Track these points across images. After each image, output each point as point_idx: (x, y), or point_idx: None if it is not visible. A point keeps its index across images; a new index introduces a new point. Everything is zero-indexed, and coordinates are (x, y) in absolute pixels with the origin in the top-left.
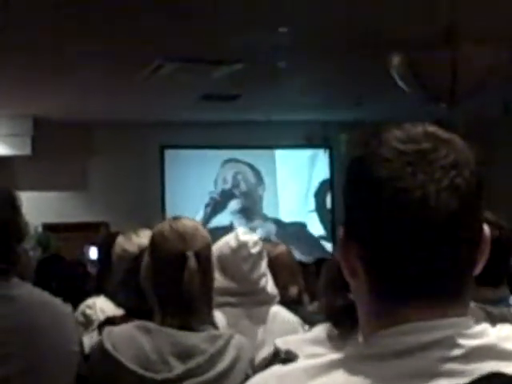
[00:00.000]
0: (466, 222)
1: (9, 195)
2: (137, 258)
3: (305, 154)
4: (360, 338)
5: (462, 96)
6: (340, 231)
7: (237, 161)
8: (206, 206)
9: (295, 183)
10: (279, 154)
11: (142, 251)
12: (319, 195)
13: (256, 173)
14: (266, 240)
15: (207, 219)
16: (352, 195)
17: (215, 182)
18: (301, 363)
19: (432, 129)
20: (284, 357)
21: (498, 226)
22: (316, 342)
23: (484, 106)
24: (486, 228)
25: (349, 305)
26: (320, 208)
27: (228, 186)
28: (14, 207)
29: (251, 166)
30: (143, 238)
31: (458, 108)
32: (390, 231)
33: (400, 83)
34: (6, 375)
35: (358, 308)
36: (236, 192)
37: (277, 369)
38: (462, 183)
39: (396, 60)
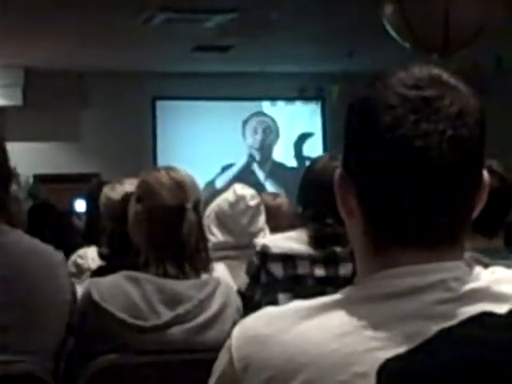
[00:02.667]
0: (467, 171)
1: None
2: (120, 204)
3: (287, 108)
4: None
5: (455, 47)
6: (338, 171)
7: (264, 115)
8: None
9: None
10: (266, 106)
11: (124, 198)
12: (297, 145)
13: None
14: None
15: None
16: (353, 137)
17: (244, 135)
18: (293, 304)
19: (438, 73)
20: (259, 249)
21: (500, 177)
22: (293, 239)
23: (476, 60)
24: (486, 174)
25: (337, 234)
26: (297, 156)
27: (258, 138)
28: (3, 152)
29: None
30: (127, 185)
31: (451, 60)
32: (388, 177)
33: (392, 33)
34: (2, 323)
35: (353, 248)
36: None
37: (268, 310)
38: (465, 133)
39: (389, 9)
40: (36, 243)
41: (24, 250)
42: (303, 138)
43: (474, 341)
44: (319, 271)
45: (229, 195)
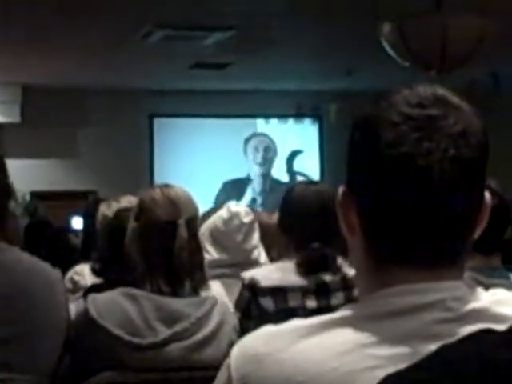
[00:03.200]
0: (468, 191)
1: None
2: (114, 220)
3: (280, 127)
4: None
5: (452, 64)
6: (341, 189)
7: (264, 135)
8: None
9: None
10: (260, 124)
11: (117, 215)
12: (289, 162)
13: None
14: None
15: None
16: (356, 154)
17: (245, 153)
18: (291, 323)
19: (442, 92)
20: (248, 283)
21: (498, 196)
22: (282, 270)
23: (473, 77)
24: (488, 195)
25: (325, 257)
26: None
27: (260, 155)
28: (2, 168)
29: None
30: (123, 203)
31: (448, 79)
32: (390, 195)
33: (390, 52)
34: (2, 339)
35: (354, 266)
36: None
37: (266, 329)
38: (467, 153)
39: (386, 28)
40: (35, 261)
41: (23, 268)
42: (293, 154)
43: (473, 358)
44: (311, 303)
45: (223, 212)
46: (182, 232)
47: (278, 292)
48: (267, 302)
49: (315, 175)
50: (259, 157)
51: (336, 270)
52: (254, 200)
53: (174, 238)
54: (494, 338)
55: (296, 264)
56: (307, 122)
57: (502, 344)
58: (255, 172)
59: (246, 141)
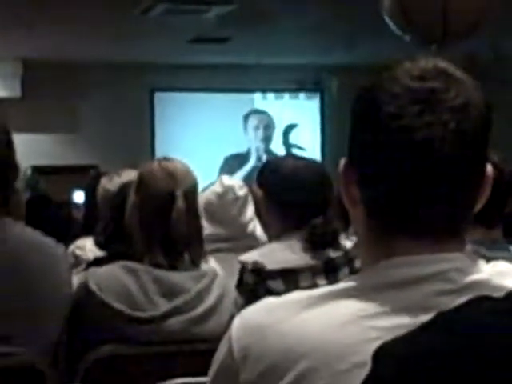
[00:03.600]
0: (470, 164)
1: (4, 133)
2: (117, 195)
3: (277, 102)
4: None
5: (454, 38)
6: (342, 161)
7: (263, 112)
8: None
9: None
10: (257, 98)
11: (121, 188)
12: (285, 135)
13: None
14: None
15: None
16: (357, 126)
17: (246, 130)
18: (293, 295)
19: (444, 65)
20: (251, 267)
21: (499, 169)
22: (283, 249)
23: (474, 51)
24: (489, 168)
25: (328, 231)
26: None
27: (261, 133)
28: (9, 145)
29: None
30: (125, 177)
31: (450, 51)
32: (390, 167)
33: (391, 25)
34: (5, 313)
35: (357, 238)
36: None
37: (268, 300)
38: (468, 126)
39: (387, 1)
40: (38, 236)
41: (27, 243)
42: (288, 128)
43: (472, 324)
44: (321, 281)
45: (216, 187)
46: (180, 203)
47: (288, 274)
48: (277, 285)
49: (312, 149)
50: (260, 134)
51: (337, 244)
52: (249, 174)
53: (172, 210)
54: (491, 305)
55: (304, 240)
56: (302, 97)
57: (499, 310)
58: (256, 147)
59: (246, 117)
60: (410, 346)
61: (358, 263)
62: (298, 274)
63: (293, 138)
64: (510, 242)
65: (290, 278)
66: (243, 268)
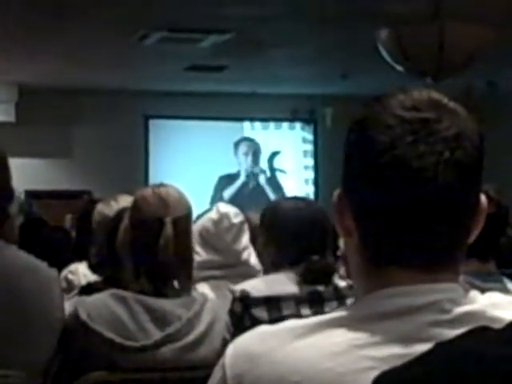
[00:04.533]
0: (463, 194)
1: (0, 157)
2: (114, 220)
3: (264, 132)
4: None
5: (449, 72)
6: (336, 192)
7: (251, 140)
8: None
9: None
10: (246, 127)
11: (119, 213)
12: (269, 161)
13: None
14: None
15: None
16: (351, 158)
17: (236, 155)
18: (287, 323)
19: (437, 96)
20: (239, 295)
21: (496, 202)
22: (274, 282)
23: (469, 84)
24: (483, 199)
25: (326, 266)
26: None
27: (250, 159)
28: (5, 167)
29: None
30: (122, 202)
31: (444, 85)
32: (385, 198)
33: (387, 58)
34: None
35: (350, 268)
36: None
37: (262, 328)
38: (462, 156)
39: (384, 34)
40: (31, 260)
41: (20, 266)
42: (273, 155)
43: (470, 356)
44: (305, 311)
45: (212, 214)
46: (168, 230)
47: (271, 301)
48: (261, 313)
49: (295, 173)
50: (249, 159)
51: (329, 281)
52: (240, 189)
53: (158, 236)
54: (490, 336)
55: (299, 275)
56: (285, 126)
57: (499, 341)
58: (245, 169)
59: (236, 144)
60: (407, 377)
61: (349, 301)
62: (281, 302)
63: (277, 163)
64: (503, 273)
65: (273, 306)
66: (233, 297)
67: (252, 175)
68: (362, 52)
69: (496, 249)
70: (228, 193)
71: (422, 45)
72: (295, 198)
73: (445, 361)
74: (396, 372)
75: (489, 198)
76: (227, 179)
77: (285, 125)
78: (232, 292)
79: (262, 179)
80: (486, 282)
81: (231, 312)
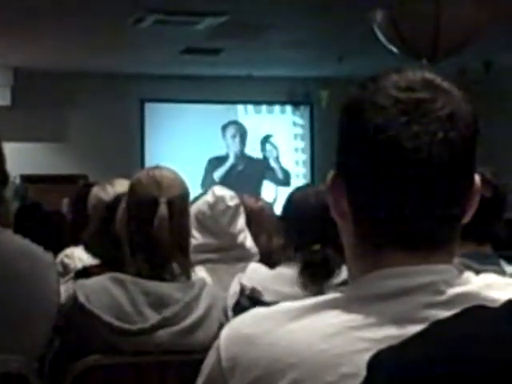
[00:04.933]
0: (457, 175)
1: None
2: (111, 205)
3: (257, 116)
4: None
5: (444, 53)
6: (330, 174)
7: (238, 123)
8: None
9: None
10: (240, 110)
11: (116, 199)
12: (262, 143)
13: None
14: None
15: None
16: (344, 138)
17: (224, 137)
18: (281, 305)
19: (431, 76)
20: (248, 294)
21: (493, 186)
22: (283, 280)
23: (464, 65)
24: (478, 180)
25: (327, 258)
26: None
27: (237, 141)
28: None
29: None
30: (118, 187)
31: (439, 65)
32: (379, 178)
33: (382, 40)
34: None
35: (345, 250)
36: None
37: (256, 311)
38: (456, 136)
39: (379, 16)
40: (27, 244)
41: (16, 251)
42: (265, 138)
43: (467, 335)
44: None
45: (208, 197)
46: (163, 210)
47: None
48: None
49: (287, 156)
50: (237, 141)
51: (333, 273)
52: (229, 170)
53: (153, 216)
54: (487, 314)
55: (298, 272)
56: (277, 111)
57: (496, 320)
58: (234, 151)
59: (224, 127)
60: (402, 355)
61: None
62: None
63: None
64: (501, 255)
65: None
66: (242, 290)
67: (241, 156)
68: (357, 34)
69: (493, 232)
70: (218, 174)
71: (418, 26)
72: (309, 186)
73: (441, 342)
74: (390, 351)
75: (486, 181)
76: (216, 161)
77: (277, 109)
78: (242, 286)
79: (256, 162)
80: (482, 264)
81: (237, 303)
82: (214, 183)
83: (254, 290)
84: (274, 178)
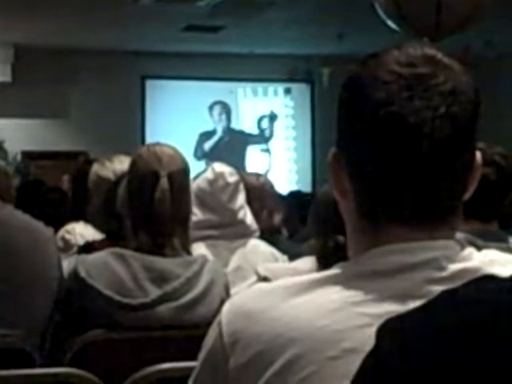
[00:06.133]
0: (459, 149)
1: None
2: (115, 182)
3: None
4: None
5: (446, 31)
6: (331, 151)
7: (223, 103)
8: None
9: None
10: (240, 93)
11: (120, 176)
12: (258, 123)
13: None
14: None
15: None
16: (345, 114)
17: (211, 116)
18: (283, 281)
19: (432, 52)
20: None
21: (499, 169)
22: (298, 272)
23: (466, 43)
24: (479, 155)
25: (340, 246)
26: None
27: (224, 117)
28: None
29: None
30: (117, 163)
31: (441, 44)
32: (381, 153)
33: (383, 17)
34: None
35: (346, 228)
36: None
37: (258, 286)
38: (458, 111)
39: None
40: (27, 219)
41: (16, 226)
42: (260, 118)
43: (477, 302)
44: None
45: (207, 173)
46: (163, 183)
47: None
48: None
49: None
50: (223, 118)
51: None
52: (217, 143)
53: (155, 190)
54: (496, 283)
55: (315, 254)
56: (270, 93)
57: (504, 288)
58: (222, 126)
59: (211, 106)
60: (410, 321)
61: None
62: None
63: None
64: (508, 232)
65: None
66: (258, 277)
67: (227, 130)
68: (358, 12)
69: (498, 211)
70: (207, 146)
71: (420, 3)
72: None
73: (451, 309)
74: (400, 319)
75: (493, 162)
76: (206, 135)
77: (270, 90)
78: (257, 272)
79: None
80: (488, 241)
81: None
82: (204, 153)
83: (265, 278)
84: (256, 141)
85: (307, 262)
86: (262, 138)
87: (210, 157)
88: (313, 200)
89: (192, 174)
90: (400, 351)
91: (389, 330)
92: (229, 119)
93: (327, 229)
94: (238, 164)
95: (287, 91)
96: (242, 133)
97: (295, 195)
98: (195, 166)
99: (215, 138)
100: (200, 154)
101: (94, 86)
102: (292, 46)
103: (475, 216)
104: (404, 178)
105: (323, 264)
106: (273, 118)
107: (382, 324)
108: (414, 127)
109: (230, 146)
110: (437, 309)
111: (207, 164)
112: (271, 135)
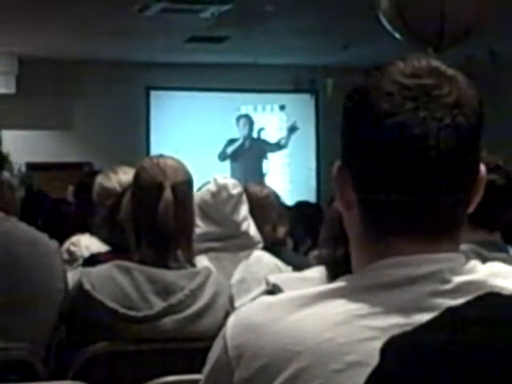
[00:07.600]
0: (464, 160)
1: None
2: (120, 194)
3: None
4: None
5: (450, 41)
6: (336, 164)
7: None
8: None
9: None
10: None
11: (126, 188)
12: (258, 133)
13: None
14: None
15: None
16: (350, 126)
17: (238, 125)
18: (288, 293)
19: (437, 63)
20: (270, 288)
21: (506, 173)
22: (307, 280)
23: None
24: (483, 168)
25: (349, 256)
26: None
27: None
28: None
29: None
30: (122, 174)
31: (445, 54)
32: (387, 165)
33: (388, 27)
34: None
35: (350, 241)
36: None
37: (263, 299)
38: (462, 122)
39: (384, 3)
40: (32, 232)
41: (21, 238)
42: (260, 130)
43: (479, 322)
44: None
45: (210, 186)
46: (167, 195)
47: None
48: None
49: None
50: (247, 129)
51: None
52: (238, 148)
53: (159, 202)
54: (499, 301)
55: (323, 263)
56: (268, 109)
57: (508, 305)
58: (243, 135)
59: (238, 119)
60: (414, 340)
61: None
62: None
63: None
64: (510, 243)
65: None
66: (267, 284)
67: (248, 138)
68: (362, 22)
69: (504, 220)
70: (230, 149)
71: (423, 14)
72: None
73: (450, 325)
74: (403, 336)
75: (498, 169)
76: (231, 141)
77: (267, 108)
78: (266, 280)
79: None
80: (492, 251)
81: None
82: (227, 156)
83: (275, 285)
84: (271, 149)
85: (317, 271)
86: (278, 146)
87: (231, 158)
88: (321, 209)
89: (216, 175)
90: (403, 369)
91: (393, 347)
92: (251, 129)
93: (336, 239)
94: (255, 166)
95: (282, 108)
96: (260, 140)
97: (301, 206)
98: (219, 167)
99: (237, 144)
100: (223, 157)
101: (98, 97)
102: (296, 56)
103: (482, 225)
104: (408, 189)
105: (333, 273)
106: (292, 129)
107: (387, 341)
108: (419, 138)
109: (250, 151)
110: (441, 327)
111: (231, 164)
112: (286, 144)
